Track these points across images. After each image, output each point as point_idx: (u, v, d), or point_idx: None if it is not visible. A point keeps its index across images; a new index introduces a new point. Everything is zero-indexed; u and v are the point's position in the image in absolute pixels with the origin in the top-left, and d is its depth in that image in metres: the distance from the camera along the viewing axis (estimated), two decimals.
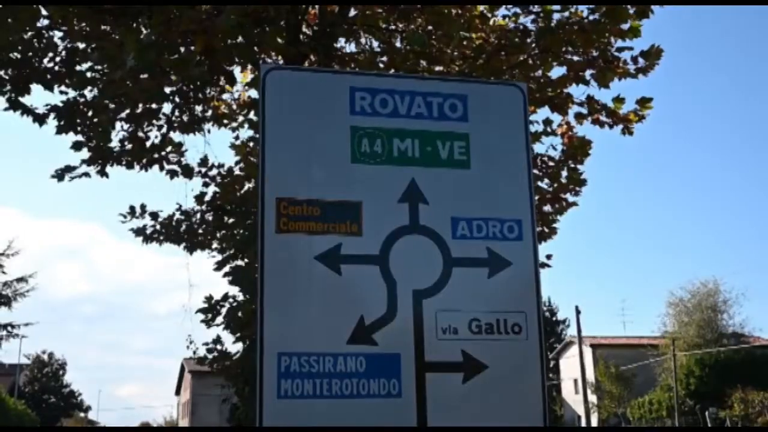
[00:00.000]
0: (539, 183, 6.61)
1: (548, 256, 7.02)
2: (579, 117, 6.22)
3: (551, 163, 6.64)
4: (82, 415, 53.38)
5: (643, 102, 5.86)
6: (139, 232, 7.55)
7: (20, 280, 26.05)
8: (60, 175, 6.45)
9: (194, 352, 8.83)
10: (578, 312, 33.14)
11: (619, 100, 5.93)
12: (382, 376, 2.18)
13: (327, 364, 2.15)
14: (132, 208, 7.53)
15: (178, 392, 55.01)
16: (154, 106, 6.17)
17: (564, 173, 6.62)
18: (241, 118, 7.30)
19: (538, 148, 6.53)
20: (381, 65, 5.98)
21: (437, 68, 6.04)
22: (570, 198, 6.73)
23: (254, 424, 2.11)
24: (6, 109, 5.91)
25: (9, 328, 25.88)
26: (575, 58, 5.71)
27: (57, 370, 51.58)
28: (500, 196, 2.43)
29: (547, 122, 6.40)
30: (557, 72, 5.92)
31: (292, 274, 2.21)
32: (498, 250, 2.35)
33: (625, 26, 5.41)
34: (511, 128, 2.51)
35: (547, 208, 6.80)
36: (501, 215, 2.40)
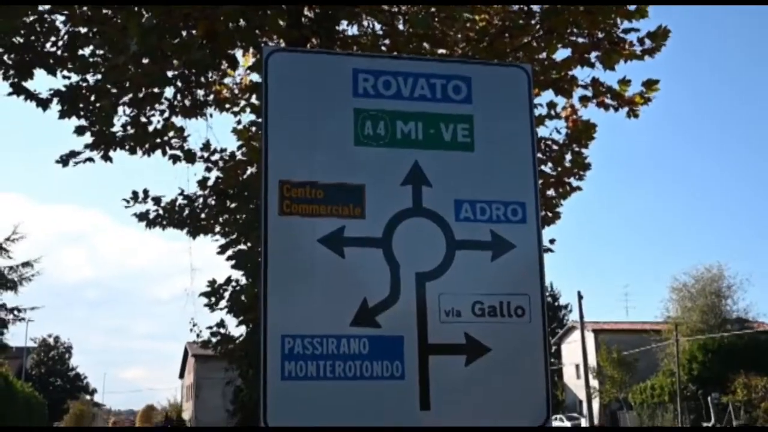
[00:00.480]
0: (543, 167, 6.56)
1: (551, 241, 7.01)
2: (584, 100, 6.14)
3: (555, 147, 6.58)
4: (88, 397, 53.97)
5: (650, 84, 5.78)
6: (142, 217, 7.56)
7: (26, 264, 26.22)
8: (65, 160, 6.45)
9: (198, 335, 8.89)
10: (580, 297, 33.23)
11: (624, 82, 5.84)
12: (385, 358, 2.18)
13: (330, 346, 2.16)
14: (135, 193, 7.53)
15: (182, 375, 55.53)
16: (156, 90, 6.13)
17: (568, 157, 6.57)
18: (243, 103, 7.25)
19: (542, 131, 6.47)
20: (384, 48, 5.92)
21: (441, 51, 5.97)
22: (574, 182, 6.69)
23: (258, 405, 2.13)
24: (9, 94, 5.89)
25: (15, 312, 26.13)
26: (580, 39, 5.63)
27: (63, 353, 52.07)
28: (504, 178, 2.41)
29: (552, 105, 6.32)
30: (562, 54, 5.84)
31: (296, 257, 2.21)
32: (501, 233, 2.35)
33: (632, 7, 5.32)
34: (515, 110, 2.49)
35: (551, 192, 6.76)
36: (505, 198, 2.39)
